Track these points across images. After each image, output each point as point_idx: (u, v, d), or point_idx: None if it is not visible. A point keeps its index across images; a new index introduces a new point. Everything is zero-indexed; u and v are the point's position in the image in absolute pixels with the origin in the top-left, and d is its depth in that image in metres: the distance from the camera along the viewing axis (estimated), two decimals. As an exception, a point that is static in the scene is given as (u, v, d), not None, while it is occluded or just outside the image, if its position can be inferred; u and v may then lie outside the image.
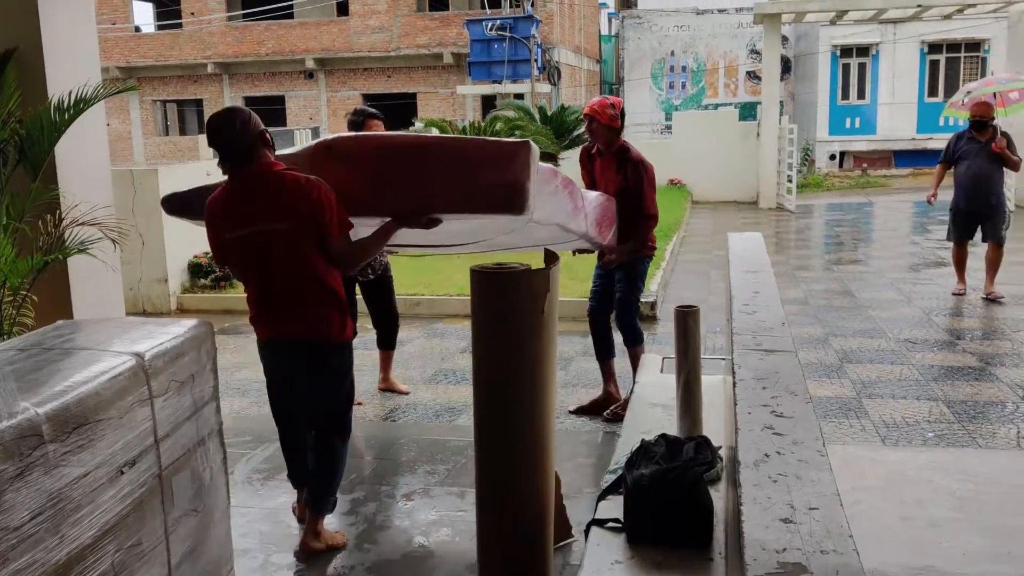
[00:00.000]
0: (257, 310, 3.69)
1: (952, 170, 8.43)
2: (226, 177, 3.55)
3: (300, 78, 28.58)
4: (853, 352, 6.66)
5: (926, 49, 25.79)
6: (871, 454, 4.73)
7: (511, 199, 3.15)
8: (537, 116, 16.71)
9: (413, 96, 27.79)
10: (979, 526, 3.85)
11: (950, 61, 25.94)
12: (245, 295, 3.79)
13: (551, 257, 3.10)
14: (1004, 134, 8.19)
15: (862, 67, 26.39)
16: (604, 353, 5.57)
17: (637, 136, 23.27)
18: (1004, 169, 8.27)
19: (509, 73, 23.74)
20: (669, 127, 22.94)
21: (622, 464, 3.05)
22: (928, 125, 25.97)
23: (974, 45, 25.55)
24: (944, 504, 4.07)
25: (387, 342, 5.91)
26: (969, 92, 9.21)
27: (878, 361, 6.41)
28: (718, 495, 2.90)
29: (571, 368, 6.51)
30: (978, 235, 8.38)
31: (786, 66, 27.92)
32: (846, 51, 26.19)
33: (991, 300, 8.15)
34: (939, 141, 25.16)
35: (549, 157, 15.40)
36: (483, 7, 26.51)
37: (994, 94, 8.98)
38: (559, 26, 27.50)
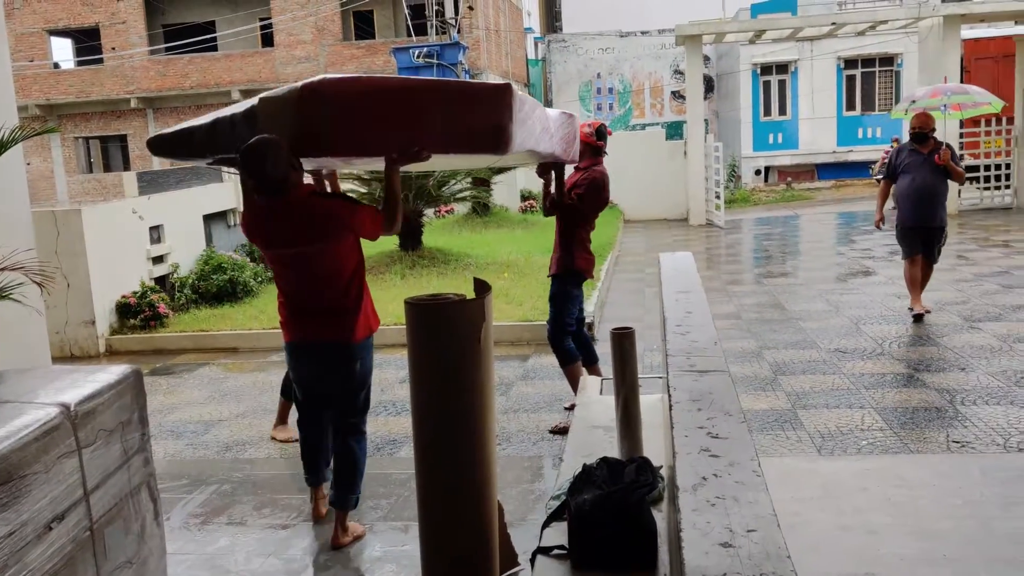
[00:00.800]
0: (287, 315, 4.10)
1: (894, 186, 8.23)
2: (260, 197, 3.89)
3: (226, 110, 28.21)
4: (786, 364, 6.79)
5: (842, 64, 26.59)
6: (808, 465, 4.81)
7: (496, 140, 3.38)
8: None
9: (342, 125, 27.61)
10: (915, 531, 3.94)
11: (865, 75, 26.79)
12: (277, 299, 4.22)
13: (483, 286, 3.10)
14: (948, 146, 7.95)
15: (782, 84, 27.10)
16: (585, 361, 5.81)
17: (567, 158, 23.44)
18: (948, 183, 8.01)
19: (438, 100, 23.73)
20: (599, 148, 23.19)
21: (565, 489, 3.05)
22: (848, 138, 26.77)
23: (888, 59, 26.44)
24: (881, 511, 4.15)
25: None
26: (914, 101, 8.64)
27: (810, 372, 6.54)
28: (661, 515, 2.91)
29: (512, 393, 6.51)
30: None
31: (709, 85, 28.54)
32: (766, 69, 26.87)
33: (925, 312, 8.01)
34: (859, 153, 26.11)
35: (481, 182, 15.46)
36: (409, 34, 26.56)
37: (944, 105, 8.45)
38: (486, 52, 27.68)
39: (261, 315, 9.16)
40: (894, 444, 5.02)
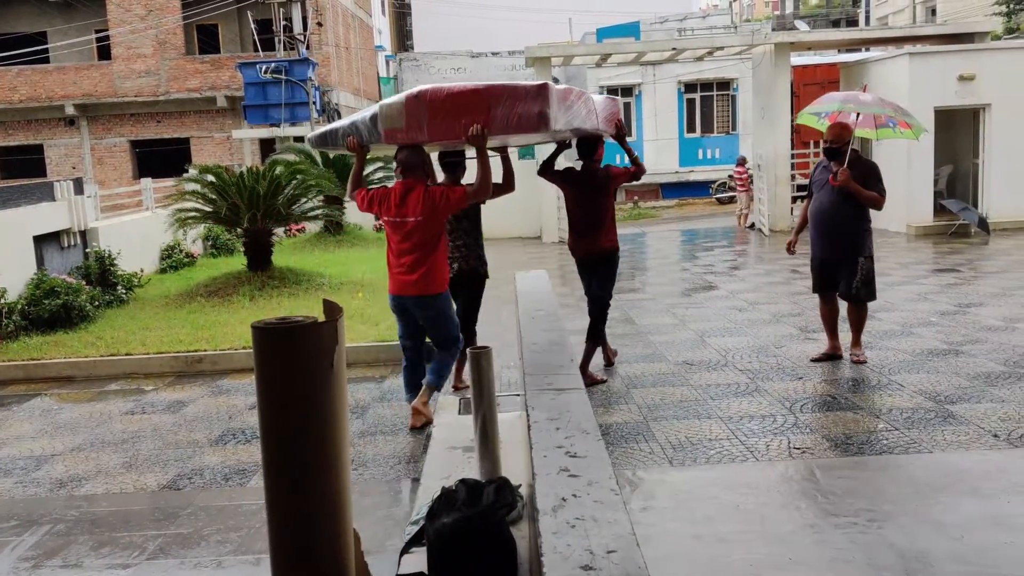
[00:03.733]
0: (392, 270, 5.68)
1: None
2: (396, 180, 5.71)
3: (60, 125, 26.76)
4: (637, 377, 6.96)
5: (683, 88, 27.73)
6: (660, 476, 4.93)
7: (539, 122, 4.72)
8: (319, 158, 16.46)
9: (186, 141, 26.68)
10: (763, 536, 4.09)
11: (704, 99, 28.04)
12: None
13: (334, 309, 3.02)
14: (868, 163, 6.86)
15: (627, 106, 27.97)
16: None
17: (421, 176, 23.48)
18: (862, 208, 6.72)
19: (287, 116, 23.32)
20: (452, 167, 23.29)
21: (424, 514, 3.00)
22: (688, 159, 27.93)
23: (724, 84, 27.76)
24: (730, 518, 4.29)
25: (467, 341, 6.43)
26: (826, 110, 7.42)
27: (660, 384, 6.72)
28: (521, 535, 2.91)
29: (368, 416, 6.39)
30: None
31: (559, 105, 29.08)
32: (612, 91, 27.64)
33: (856, 362, 6.95)
34: (699, 173, 27.26)
35: (334, 200, 15.19)
36: (256, 50, 25.94)
37: (856, 113, 7.28)
38: (336, 68, 27.37)
39: (99, 341, 8.67)
40: (740, 452, 5.21)
